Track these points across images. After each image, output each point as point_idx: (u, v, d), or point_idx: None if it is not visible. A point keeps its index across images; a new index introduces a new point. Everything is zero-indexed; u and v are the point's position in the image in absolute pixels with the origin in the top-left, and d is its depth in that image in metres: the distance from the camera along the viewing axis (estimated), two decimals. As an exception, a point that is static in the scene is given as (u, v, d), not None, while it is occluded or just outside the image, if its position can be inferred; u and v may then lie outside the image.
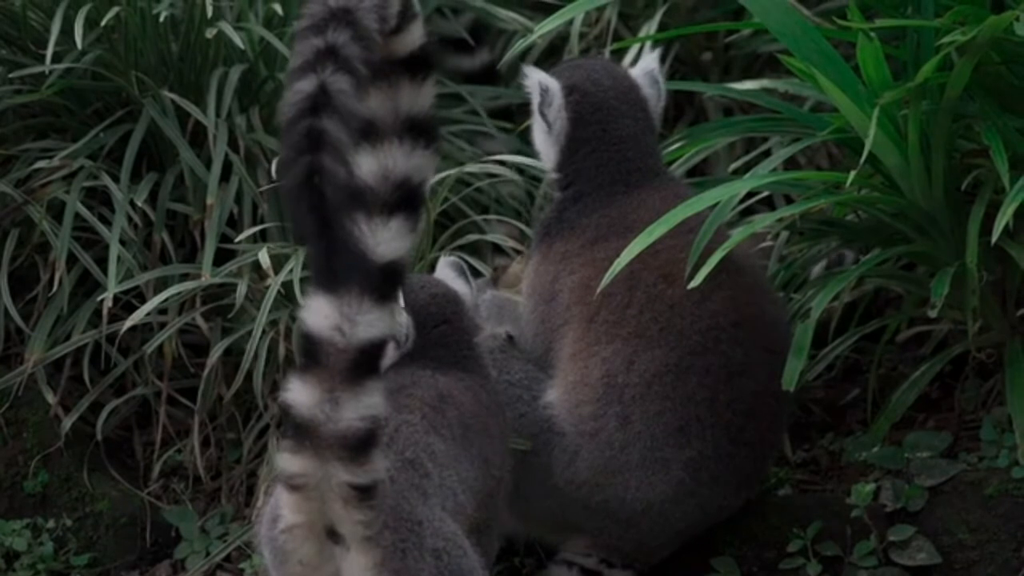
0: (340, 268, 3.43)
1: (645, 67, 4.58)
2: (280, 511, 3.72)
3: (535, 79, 4.49)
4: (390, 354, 4.10)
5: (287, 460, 3.62)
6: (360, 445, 3.58)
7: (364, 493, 3.63)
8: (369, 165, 3.58)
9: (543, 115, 4.49)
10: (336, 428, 3.56)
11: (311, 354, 3.54)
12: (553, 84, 4.48)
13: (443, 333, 4.15)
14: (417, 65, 3.65)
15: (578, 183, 4.50)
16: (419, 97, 3.64)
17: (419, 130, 3.63)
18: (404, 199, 3.58)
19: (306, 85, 3.43)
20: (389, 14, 3.57)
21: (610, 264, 4.24)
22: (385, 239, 3.55)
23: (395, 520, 3.76)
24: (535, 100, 4.50)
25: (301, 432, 3.58)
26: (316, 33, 3.48)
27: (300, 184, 3.36)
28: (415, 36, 3.64)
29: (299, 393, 3.56)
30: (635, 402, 4.31)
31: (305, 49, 3.47)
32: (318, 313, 3.51)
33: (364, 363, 3.55)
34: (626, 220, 4.40)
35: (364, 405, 3.56)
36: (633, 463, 4.32)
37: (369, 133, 3.57)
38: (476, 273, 4.80)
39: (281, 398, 3.61)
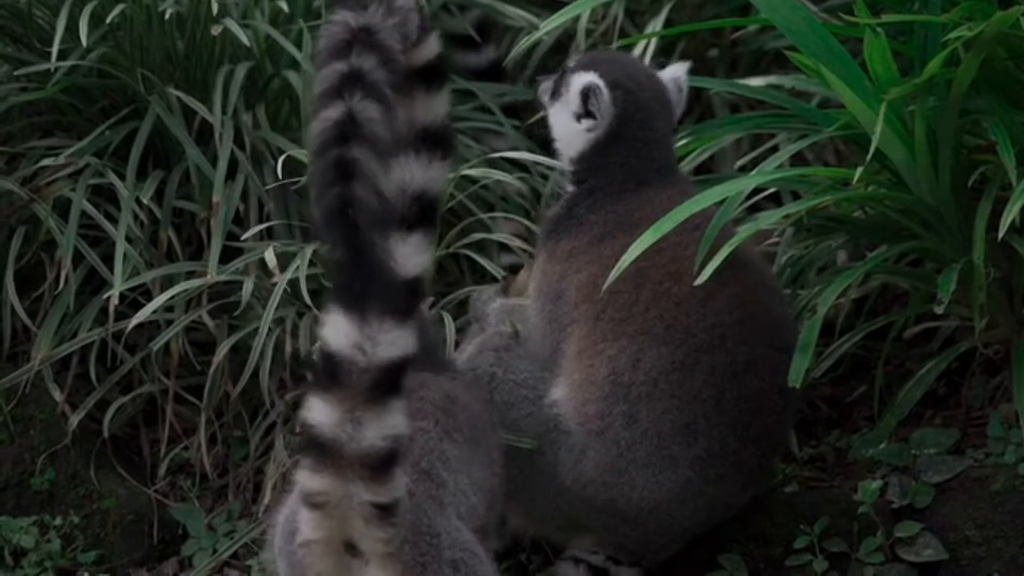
0: (364, 288, 3.38)
1: (674, 73, 4.57)
2: (297, 525, 3.69)
3: (583, 78, 4.45)
4: None
5: (308, 478, 3.58)
6: (382, 464, 3.55)
7: (385, 511, 3.60)
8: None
9: (588, 110, 4.46)
10: (358, 448, 3.53)
11: (331, 373, 3.49)
12: (598, 80, 4.45)
13: (429, 337, 4.14)
14: (432, 75, 3.62)
15: (596, 178, 4.48)
16: (433, 107, 3.61)
17: (434, 141, 3.60)
18: (422, 213, 3.54)
19: (333, 112, 3.38)
20: (410, 31, 3.53)
21: (616, 261, 4.23)
22: (405, 255, 3.51)
23: (414, 535, 3.73)
24: (576, 93, 4.45)
25: (322, 451, 3.54)
26: (338, 56, 3.42)
27: (333, 215, 3.32)
28: (431, 47, 3.61)
29: (320, 412, 3.52)
30: (641, 400, 4.30)
31: (329, 74, 3.41)
32: (339, 331, 3.47)
33: (386, 382, 3.50)
34: (632, 217, 4.40)
35: (387, 425, 3.52)
36: (640, 461, 4.31)
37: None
38: (484, 272, 4.80)
39: (301, 417, 3.57)
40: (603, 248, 4.39)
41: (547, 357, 4.41)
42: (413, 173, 3.57)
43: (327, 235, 3.33)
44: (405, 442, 3.58)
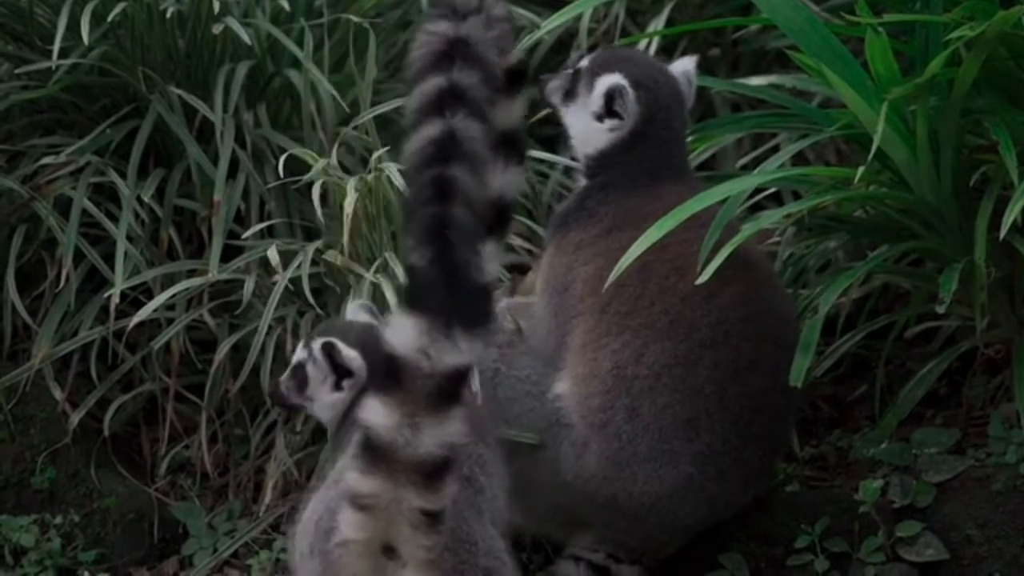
0: (439, 296, 3.35)
1: (684, 67, 4.56)
2: (336, 525, 3.66)
3: (608, 79, 4.44)
4: (349, 389, 4.05)
5: (358, 480, 3.55)
6: (436, 472, 3.52)
7: (433, 519, 3.58)
8: None
9: (613, 110, 4.44)
10: (414, 453, 3.49)
11: (394, 375, 3.45)
12: (623, 80, 4.43)
13: None
14: (514, 80, 3.58)
15: (610, 173, 4.47)
16: (511, 112, 3.57)
17: (511, 145, 3.55)
18: (497, 219, 3.51)
19: (432, 130, 3.31)
20: (506, 43, 3.47)
21: (623, 254, 4.23)
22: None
23: (454, 542, 3.73)
24: (600, 94, 4.44)
25: (376, 454, 3.51)
26: (436, 69, 3.35)
27: (427, 235, 3.29)
28: (514, 53, 3.58)
29: (378, 414, 3.49)
30: (644, 394, 4.30)
31: (428, 88, 3.34)
32: (404, 334, 3.43)
33: (448, 390, 3.47)
34: (642, 211, 4.39)
35: (445, 432, 3.49)
36: (641, 455, 4.31)
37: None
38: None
39: (358, 417, 3.54)
40: (611, 241, 4.38)
41: (551, 351, 4.41)
42: (491, 178, 3.53)
43: (421, 253, 3.28)
44: (459, 451, 3.55)
